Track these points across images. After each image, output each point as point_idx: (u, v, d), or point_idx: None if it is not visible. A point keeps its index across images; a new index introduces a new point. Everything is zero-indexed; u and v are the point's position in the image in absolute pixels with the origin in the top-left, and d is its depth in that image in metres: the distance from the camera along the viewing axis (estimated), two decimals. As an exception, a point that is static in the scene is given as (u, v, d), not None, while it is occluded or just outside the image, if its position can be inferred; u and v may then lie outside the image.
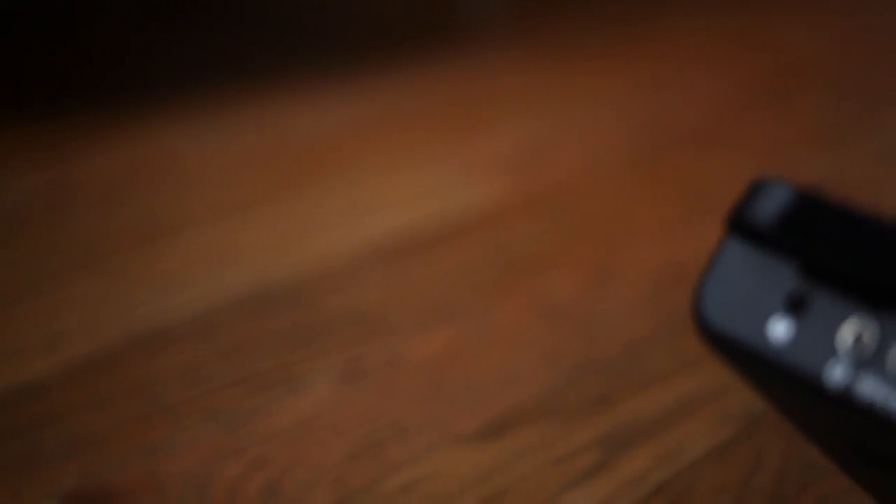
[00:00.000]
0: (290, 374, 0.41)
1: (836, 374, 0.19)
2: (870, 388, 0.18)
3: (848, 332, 0.19)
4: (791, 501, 0.34)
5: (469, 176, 0.62)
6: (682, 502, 0.34)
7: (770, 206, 0.20)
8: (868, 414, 0.18)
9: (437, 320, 0.45)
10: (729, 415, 0.38)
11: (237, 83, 0.75)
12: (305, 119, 0.70)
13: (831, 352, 0.19)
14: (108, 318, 0.45)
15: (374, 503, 0.34)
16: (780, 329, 0.20)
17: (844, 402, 0.18)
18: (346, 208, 0.57)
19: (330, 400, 0.40)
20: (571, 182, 0.62)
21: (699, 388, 0.39)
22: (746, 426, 0.37)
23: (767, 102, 0.76)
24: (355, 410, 0.39)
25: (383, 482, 0.35)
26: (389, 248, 0.52)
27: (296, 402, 0.39)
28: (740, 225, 0.20)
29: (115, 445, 0.37)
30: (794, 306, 0.20)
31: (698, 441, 0.37)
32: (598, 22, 0.94)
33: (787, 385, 0.19)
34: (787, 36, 0.92)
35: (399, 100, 0.75)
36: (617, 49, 0.89)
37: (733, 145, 0.68)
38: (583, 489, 0.34)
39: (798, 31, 0.93)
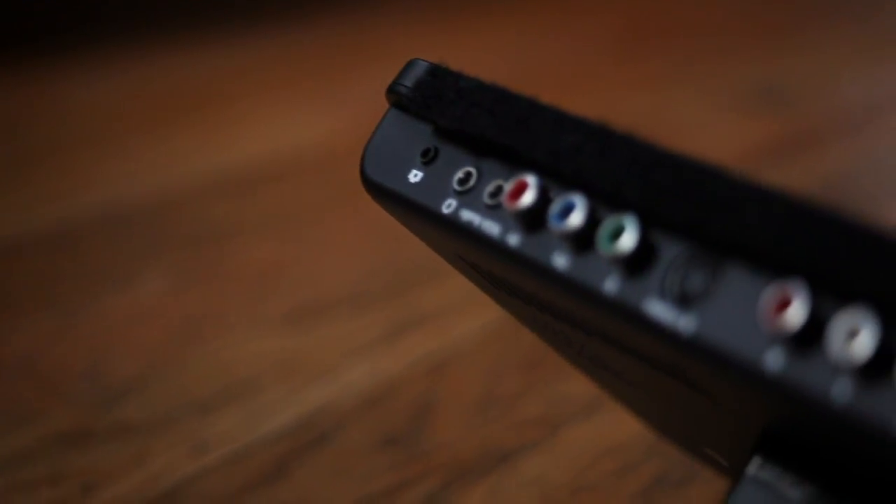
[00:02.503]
0: (129, 273, 0.45)
1: (449, 205, 0.23)
2: (469, 215, 0.23)
3: (459, 175, 0.23)
4: (541, 362, 0.38)
5: (331, 116, 0.65)
6: (447, 367, 0.38)
7: (413, 80, 0.24)
8: (468, 233, 0.23)
9: (270, 230, 0.49)
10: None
11: (131, 31, 0.79)
12: (190, 63, 0.74)
13: (449, 192, 0.23)
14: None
15: (179, 370, 0.38)
16: (416, 177, 0.24)
17: (454, 225, 0.23)
18: (209, 141, 0.61)
19: (161, 293, 0.43)
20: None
21: (483, 282, 0.44)
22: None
23: (625, 51, 0.81)
24: (182, 301, 0.43)
25: (191, 353, 0.39)
26: (242, 176, 0.56)
27: (130, 295, 0.43)
28: (394, 96, 0.25)
29: (-40, 331, 0.41)
30: (427, 159, 0.24)
31: (470, 324, 0.41)
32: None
33: (421, 218, 0.24)
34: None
35: (284, 46, 0.78)
36: (510, 4, 0.93)
37: (583, 88, 0.72)
38: (362, 357, 0.38)
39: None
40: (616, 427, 0.34)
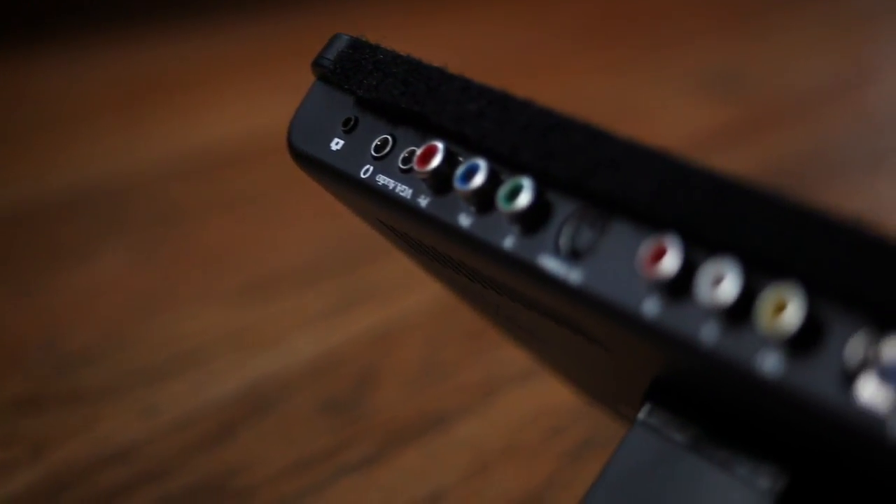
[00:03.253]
0: (90, 250, 0.46)
1: (367, 171, 0.24)
2: (384, 180, 0.24)
3: (376, 143, 0.24)
4: (483, 332, 0.39)
5: (292, 102, 0.66)
6: (392, 338, 0.39)
7: (336, 53, 0.26)
8: (383, 196, 0.24)
9: (228, 211, 0.50)
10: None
11: (103, 21, 0.80)
12: (159, 52, 0.75)
13: (367, 158, 0.24)
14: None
15: (133, 341, 0.39)
16: (337, 145, 0.25)
17: (370, 189, 0.24)
18: (174, 126, 0.62)
19: (120, 269, 0.45)
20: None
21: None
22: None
23: (592, 39, 0.82)
24: (139, 276, 0.44)
25: (146, 325, 0.40)
26: (204, 159, 0.57)
27: (89, 271, 0.44)
28: (318, 69, 0.26)
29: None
30: (348, 128, 0.25)
31: (418, 297, 0.42)
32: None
33: (342, 184, 0.25)
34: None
35: (250, 36, 0.79)
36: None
37: (550, 75, 0.73)
38: (311, 328, 0.40)
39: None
40: (549, 393, 0.35)
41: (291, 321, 0.40)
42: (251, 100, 0.66)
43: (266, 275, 0.44)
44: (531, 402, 0.35)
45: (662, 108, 0.66)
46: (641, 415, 0.22)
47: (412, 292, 0.42)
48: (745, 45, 0.77)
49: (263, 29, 0.80)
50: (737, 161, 0.57)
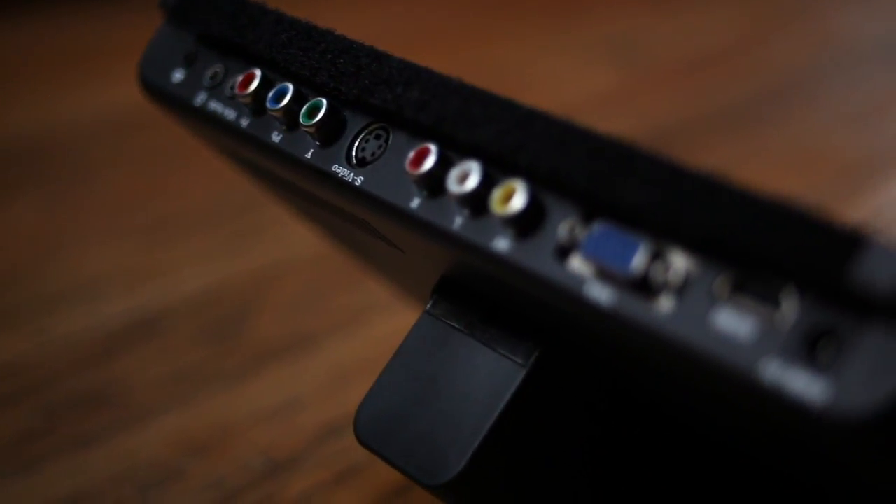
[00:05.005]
0: (3, 199, 0.49)
1: (201, 99, 0.27)
2: (214, 106, 0.27)
3: (210, 74, 0.27)
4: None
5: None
6: (274, 273, 0.42)
7: (178, -4, 0.28)
8: (214, 120, 0.27)
9: (137, 164, 0.53)
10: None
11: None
12: (79, 21, 0.77)
13: (202, 87, 0.27)
14: None
15: (34, 275, 0.42)
16: (178, 78, 0.28)
17: (203, 114, 0.27)
18: (90, 91, 0.64)
19: (31, 216, 0.47)
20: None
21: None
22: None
23: (497, 12, 0.84)
24: (49, 222, 0.47)
25: (48, 262, 0.43)
26: (125, 120, 0.59)
27: (3, 217, 0.47)
28: (163, 10, 0.29)
29: None
30: (188, 62, 0.28)
31: (304, 238, 0.45)
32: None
33: (182, 112, 0.28)
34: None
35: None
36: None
37: (459, 47, 0.75)
38: (200, 265, 0.42)
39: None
40: (409, 317, 0.38)
41: (184, 258, 0.43)
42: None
43: (165, 219, 0.47)
44: (392, 324, 0.38)
45: (565, 75, 0.69)
46: (428, 306, 0.25)
47: (299, 233, 0.45)
48: (650, 9, 0.80)
49: None
50: (631, 122, 0.60)
